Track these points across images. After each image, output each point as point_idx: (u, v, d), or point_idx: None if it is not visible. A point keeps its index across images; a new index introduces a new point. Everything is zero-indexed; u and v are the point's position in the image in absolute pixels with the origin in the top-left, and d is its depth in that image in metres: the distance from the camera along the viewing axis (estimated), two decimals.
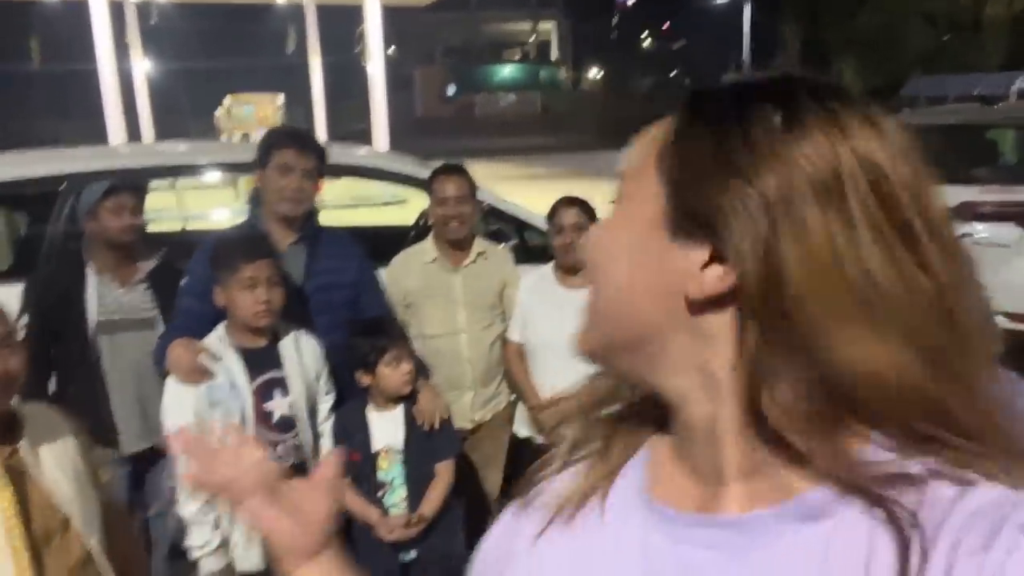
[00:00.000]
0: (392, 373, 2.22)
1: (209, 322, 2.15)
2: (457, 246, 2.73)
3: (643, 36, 53.38)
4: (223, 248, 2.13)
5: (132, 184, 2.68)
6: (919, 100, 21.30)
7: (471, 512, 2.59)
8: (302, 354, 2.18)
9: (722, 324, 0.47)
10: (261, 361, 2.12)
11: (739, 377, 0.47)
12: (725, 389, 0.48)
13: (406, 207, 11.43)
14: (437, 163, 3.17)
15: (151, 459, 2.61)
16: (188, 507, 2.01)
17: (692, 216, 0.47)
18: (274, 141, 2.37)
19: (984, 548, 0.40)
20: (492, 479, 2.86)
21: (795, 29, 27.65)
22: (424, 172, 3.73)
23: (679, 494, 0.53)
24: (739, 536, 0.48)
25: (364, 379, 2.27)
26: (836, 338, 0.44)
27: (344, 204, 12.07)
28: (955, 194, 5.13)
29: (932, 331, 0.45)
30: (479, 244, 2.79)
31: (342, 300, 2.40)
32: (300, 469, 2.18)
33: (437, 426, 2.28)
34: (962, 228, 4.96)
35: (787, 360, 0.45)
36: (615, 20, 52.00)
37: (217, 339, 2.11)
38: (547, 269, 2.72)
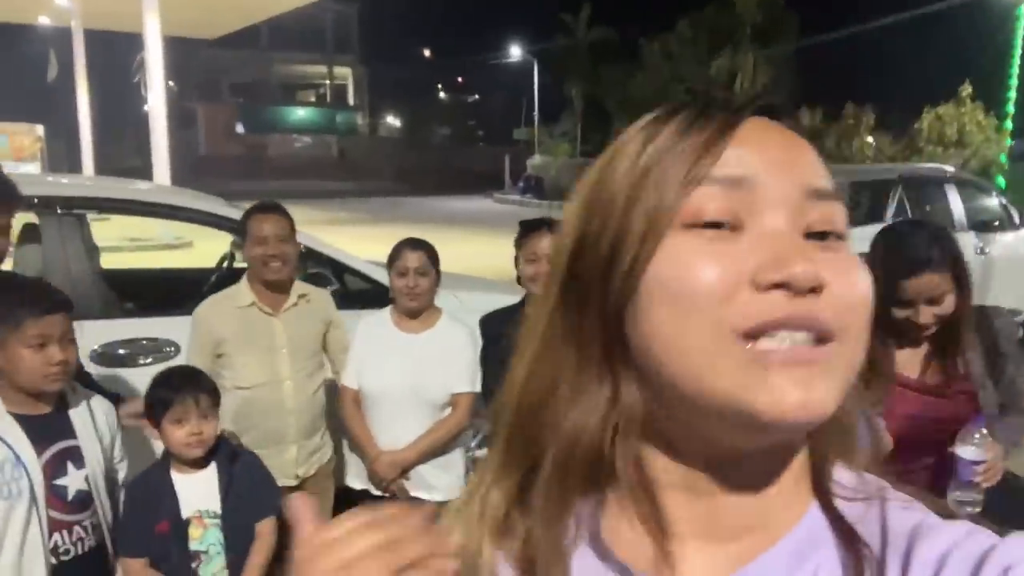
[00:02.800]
0: (175, 432, 1.97)
1: None
2: (277, 288, 2.54)
3: (439, 88, 54.92)
4: None
5: None
6: None
7: None
8: (95, 418, 1.89)
9: None
10: (48, 430, 1.80)
11: None
12: None
13: (192, 250, 10.58)
14: (238, 202, 2.94)
15: None
16: None
17: None
18: None
19: None
20: None
21: (579, 90, 30.01)
22: (226, 210, 3.48)
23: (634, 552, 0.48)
24: None
25: (152, 433, 2.01)
26: None
27: (118, 247, 10.93)
28: None
29: None
30: (299, 287, 2.62)
31: None
32: (99, 551, 1.87)
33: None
34: None
35: None
36: (411, 71, 52.95)
37: None
38: (384, 313, 2.61)
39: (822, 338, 0.41)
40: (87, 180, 6.04)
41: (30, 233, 3.51)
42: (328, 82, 45.56)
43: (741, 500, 0.46)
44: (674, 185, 0.44)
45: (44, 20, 17.01)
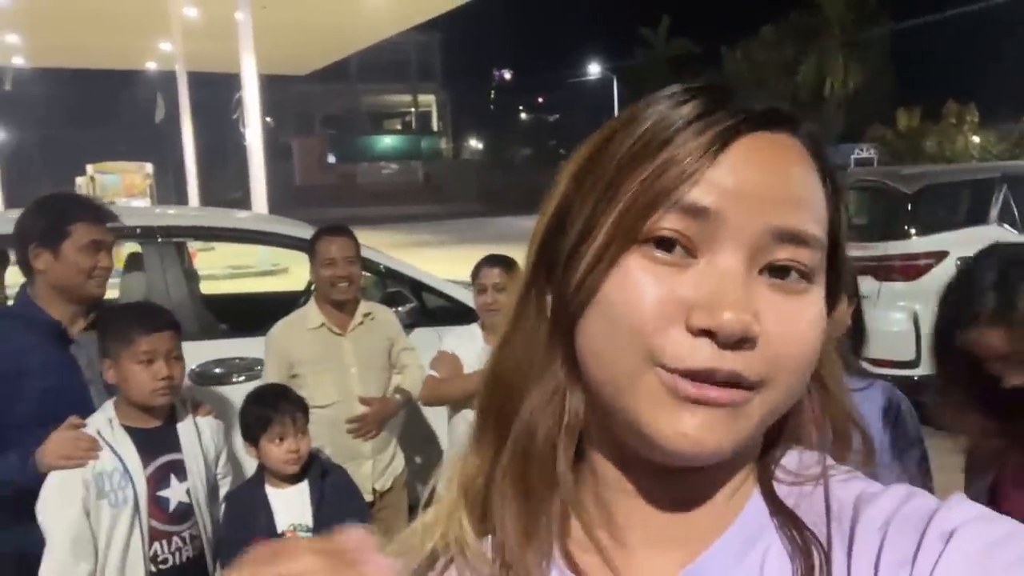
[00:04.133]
0: (274, 449, 2.05)
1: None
2: (344, 309, 2.61)
3: (520, 109, 55.56)
4: (114, 318, 1.94)
5: None
6: None
7: None
8: (201, 433, 2.00)
9: None
10: (156, 443, 1.92)
11: None
12: None
13: (288, 276, 11.05)
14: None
15: None
16: None
17: None
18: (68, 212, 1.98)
19: (911, 559, 0.40)
20: None
21: None
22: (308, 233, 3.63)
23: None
24: None
25: (250, 451, 2.11)
26: None
27: (221, 274, 11.57)
28: None
29: None
30: (364, 306, 2.68)
31: None
32: (197, 562, 1.98)
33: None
34: None
35: None
36: (493, 94, 53.89)
37: (106, 420, 1.89)
38: (474, 326, 2.67)
39: (745, 387, 0.40)
40: (186, 211, 6.43)
41: (134, 261, 3.78)
42: (413, 109, 46.88)
43: (688, 505, 0.46)
44: (644, 203, 0.42)
45: (151, 65, 18.29)
